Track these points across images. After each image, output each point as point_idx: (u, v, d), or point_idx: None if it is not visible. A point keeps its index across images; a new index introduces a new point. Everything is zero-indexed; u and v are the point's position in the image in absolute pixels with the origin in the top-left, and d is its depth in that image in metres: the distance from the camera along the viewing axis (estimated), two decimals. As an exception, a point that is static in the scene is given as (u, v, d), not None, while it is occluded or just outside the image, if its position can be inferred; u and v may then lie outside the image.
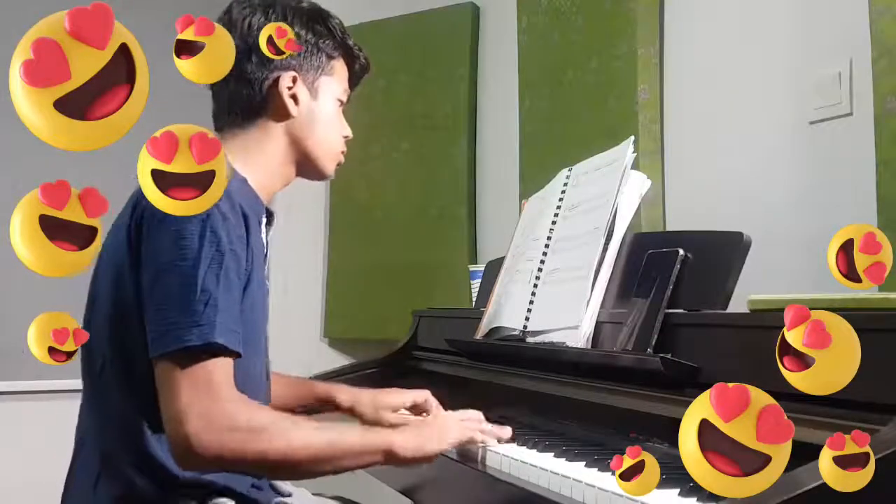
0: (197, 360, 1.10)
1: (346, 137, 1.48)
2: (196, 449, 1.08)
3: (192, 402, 1.08)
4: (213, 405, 1.09)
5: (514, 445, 1.24)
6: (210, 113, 1.45)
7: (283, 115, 1.38)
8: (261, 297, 1.29)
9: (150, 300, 1.15)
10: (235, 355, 1.14)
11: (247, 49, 1.34)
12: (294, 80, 1.38)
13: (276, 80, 1.36)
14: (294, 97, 1.38)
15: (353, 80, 1.51)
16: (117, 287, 1.23)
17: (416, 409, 1.58)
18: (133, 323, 1.20)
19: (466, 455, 1.27)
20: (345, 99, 1.47)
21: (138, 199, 1.23)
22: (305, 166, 1.44)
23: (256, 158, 1.37)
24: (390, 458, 1.18)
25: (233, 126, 1.39)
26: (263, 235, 1.35)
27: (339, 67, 1.45)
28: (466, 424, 1.29)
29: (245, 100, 1.37)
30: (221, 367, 1.12)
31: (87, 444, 1.30)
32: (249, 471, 1.25)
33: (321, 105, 1.42)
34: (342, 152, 1.48)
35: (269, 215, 1.39)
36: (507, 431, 1.30)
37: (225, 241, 1.15)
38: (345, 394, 1.60)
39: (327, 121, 1.43)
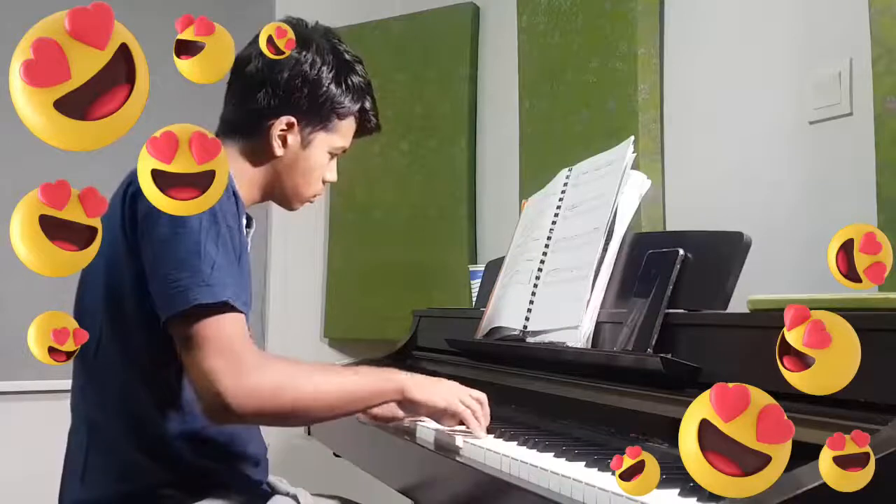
0: (211, 317, 1.15)
1: (327, 181, 1.52)
2: (231, 404, 1.12)
3: (218, 359, 1.13)
4: (238, 362, 1.13)
5: (514, 445, 1.24)
6: (210, 113, 1.46)
7: (267, 150, 1.42)
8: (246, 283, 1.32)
9: (155, 270, 1.19)
10: (244, 314, 1.19)
11: (262, 80, 1.40)
12: (290, 126, 1.41)
13: (273, 123, 1.40)
14: (284, 139, 1.42)
15: (360, 135, 1.55)
16: (111, 271, 1.26)
17: None
18: (128, 303, 1.24)
19: (466, 454, 1.27)
20: (338, 153, 1.50)
21: (129, 183, 1.27)
22: (274, 198, 1.50)
23: (236, 172, 1.40)
24: (402, 397, 1.28)
25: (225, 136, 1.44)
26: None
27: (346, 126, 1.49)
28: (469, 400, 1.33)
29: (242, 123, 1.43)
30: (237, 324, 1.17)
31: (76, 430, 1.32)
32: (280, 421, 1.28)
33: (308, 155, 1.45)
34: (315, 195, 1.51)
35: (249, 219, 1.43)
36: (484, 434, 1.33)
37: (220, 214, 1.20)
38: None
39: (308, 171, 1.46)
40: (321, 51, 1.42)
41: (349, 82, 1.45)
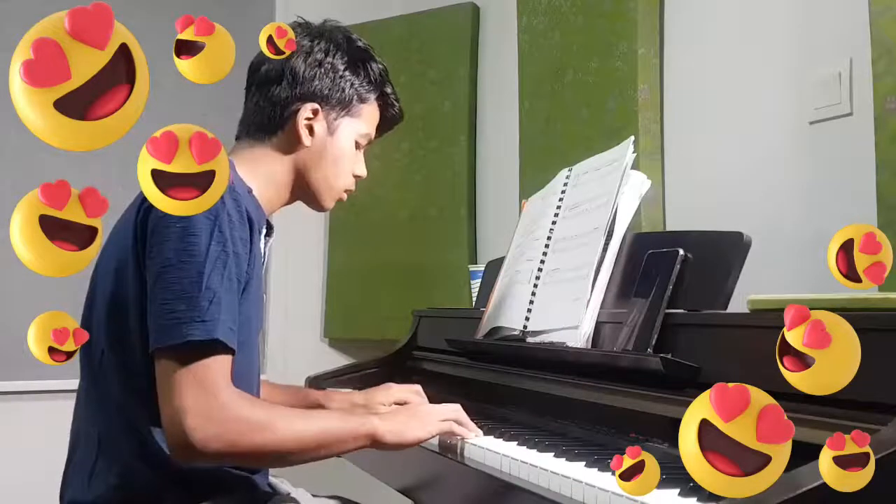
0: (198, 355, 1.13)
1: (357, 177, 1.50)
2: (194, 444, 1.10)
3: (192, 397, 1.11)
4: (211, 401, 1.12)
5: (514, 445, 1.24)
6: (210, 113, 1.45)
7: (295, 142, 1.41)
8: (256, 303, 1.31)
9: (155, 294, 1.17)
10: (233, 353, 1.17)
11: (280, 71, 1.39)
12: (315, 113, 1.41)
13: (298, 109, 1.39)
14: (310, 128, 1.41)
15: (385, 126, 1.53)
16: (118, 281, 1.25)
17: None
18: (131, 317, 1.22)
19: (467, 454, 1.27)
20: (364, 142, 1.48)
21: (145, 196, 1.24)
22: (305, 195, 1.47)
23: (262, 173, 1.40)
24: (374, 443, 1.24)
25: (249, 137, 1.43)
26: (262, 246, 1.37)
27: (369, 111, 1.48)
28: (446, 416, 1.32)
29: (265, 118, 1.41)
30: (220, 364, 1.15)
31: (84, 433, 1.32)
32: (244, 463, 1.27)
33: (336, 143, 1.44)
34: (347, 191, 1.50)
35: (269, 227, 1.42)
36: (478, 431, 1.33)
37: (230, 242, 1.18)
38: (337, 402, 1.62)
39: (337, 159, 1.44)
40: (334, 40, 1.43)
41: (367, 68, 1.45)
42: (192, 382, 1.12)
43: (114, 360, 1.26)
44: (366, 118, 1.47)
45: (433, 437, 1.30)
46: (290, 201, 1.48)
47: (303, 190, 1.46)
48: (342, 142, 1.44)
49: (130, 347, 1.23)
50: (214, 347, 1.14)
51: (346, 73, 1.43)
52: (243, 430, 1.13)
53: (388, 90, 1.49)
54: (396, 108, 1.52)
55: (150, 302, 1.17)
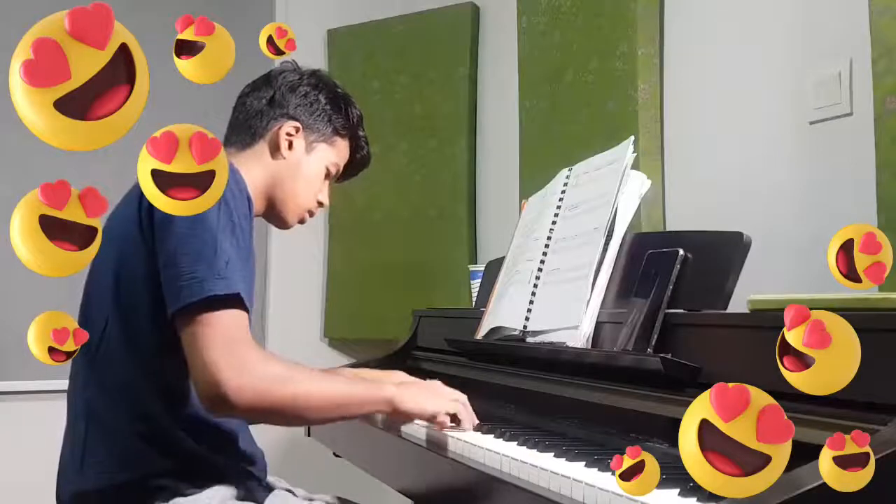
0: (221, 310, 1.18)
1: (320, 204, 1.59)
2: (228, 395, 1.14)
3: (221, 351, 1.16)
4: (241, 354, 1.17)
5: (514, 445, 1.24)
6: (210, 113, 1.47)
7: (274, 151, 1.51)
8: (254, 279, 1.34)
9: (169, 261, 1.22)
10: (249, 314, 1.22)
11: (272, 94, 1.52)
12: (297, 130, 1.51)
13: (281, 124, 1.50)
14: (290, 143, 1.51)
15: (351, 168, 1.65)
16: (122, 262, 1.29)
17: None
18: (140, 294, 1.27)
19: (467, 454, 1.27)
20: (333, 172, 1.59)
21: None
22: (271, 209, 1.55)
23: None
24: (393, 409, 1.31)
25: (232, 145, 1.52)
26: None
27: (342, 146, 1.60)
28: (457, 397, 1.39)
29: (246, 127, 1.52)
30: (242, 319, 1.20)
31: (76, 424, 1.33)
32: (271, 417, 1.30)
33: (310, 161, 1.54)
34: (309, 212, 1.59)
35: None
36: (476, 421, 1.39)
37: (235, 214, 1.25)
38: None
39: (308, 177, 1.55)
40: (320, 80, 1.57)
41: (347, 110, 1.58)
42: (220, 337, 1.16)
43: (118, 338, 1.29)
44: (339, 151, 1.59)
45: (448, 413, 1.35)
46: (259, 214, 1.54)
47: (271, 202, 1.54)
48: (317, 163, 1.55)
49: (139, 324, 1.28)
50: (235, 303, 1.19)
51: (328, 107, 1.55)
52: (274, 382, 1.19)
53: (361, 134, 1.63)
54: (365, 151, 1.65)
55: (166, 272, 1.22)
